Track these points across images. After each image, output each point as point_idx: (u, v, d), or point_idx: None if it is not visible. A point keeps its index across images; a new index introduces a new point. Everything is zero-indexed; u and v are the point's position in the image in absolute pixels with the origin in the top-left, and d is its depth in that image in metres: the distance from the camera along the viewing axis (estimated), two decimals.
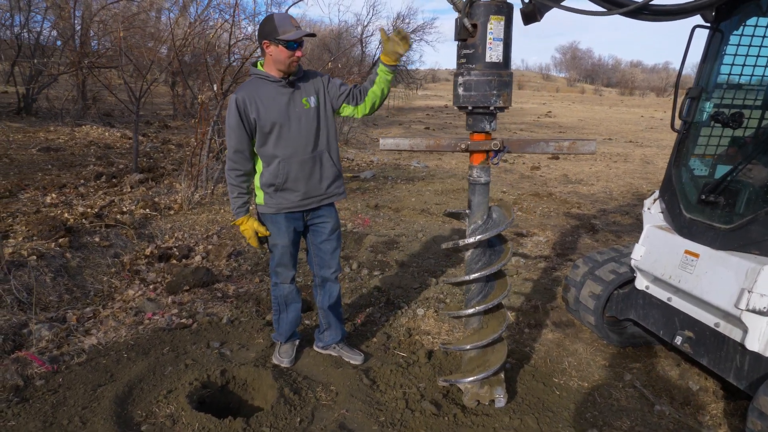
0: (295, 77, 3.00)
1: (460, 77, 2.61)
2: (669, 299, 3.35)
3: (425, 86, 64.97)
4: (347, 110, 3.20)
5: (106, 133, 12.70)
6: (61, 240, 4.98)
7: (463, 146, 2.69)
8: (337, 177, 3.24)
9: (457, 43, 2.66)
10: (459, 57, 2.64)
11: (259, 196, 3.13)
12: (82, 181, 7.30)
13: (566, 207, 8.93)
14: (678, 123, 3.44)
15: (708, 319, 3.06)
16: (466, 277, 2.77)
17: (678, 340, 3.24)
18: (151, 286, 4.74)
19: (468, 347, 2.84)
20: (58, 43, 14.76)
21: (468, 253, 2.84)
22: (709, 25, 3.32)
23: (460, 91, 2.61)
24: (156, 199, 6.79)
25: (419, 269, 5.27)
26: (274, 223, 3.16)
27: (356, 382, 3.23)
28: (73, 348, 3.54)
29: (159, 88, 18.77)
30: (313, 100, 3.06)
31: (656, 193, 3.62)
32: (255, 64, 3.04)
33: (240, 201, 3.08)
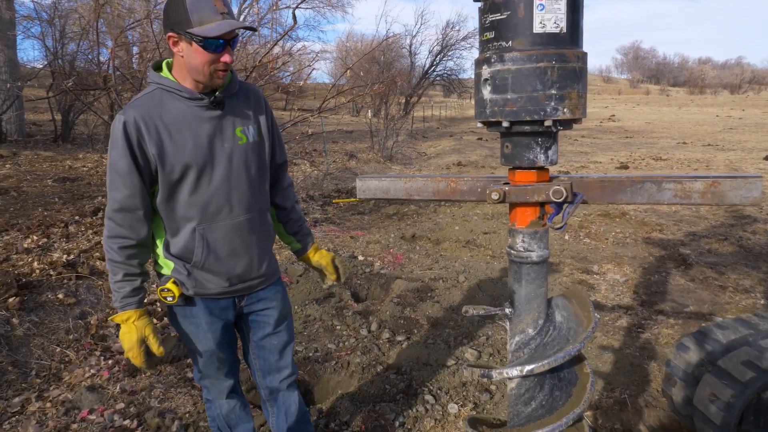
0: (224, 93, 1.84)
1: (485, 67, 1.38)
2: None
3: None
4: None
5: None
6: (10, 300, 4.02)
7: (495, 196, 1.44)
8: (272, 249, 2.12)
9: (478, 6, 1.43)
10: (483, 30, 1.41)
11: (167, 267, 1.97)
12: (76, 217, 6.44)
13: (645, 230, 7.42)
14: None
15: None
16: None
17: None
18: (110, 361, 3.70)
19: None
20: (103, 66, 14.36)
21: (512, 386, 1.58)
22: None
23: (486, 92, 1.38)
24: None
25: (457, 333, 3.99)
26: (188, 318, 2.00)
27: None
28: None
29: None
30: (252, 130, 1.91)
31: None
32: (156, 65, 1.88)
33: (127, 287, 1.85)
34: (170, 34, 1.71)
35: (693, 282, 5.32)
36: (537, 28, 1.30)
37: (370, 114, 18.55)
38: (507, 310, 1.55)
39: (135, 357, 1.85)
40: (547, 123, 1.34)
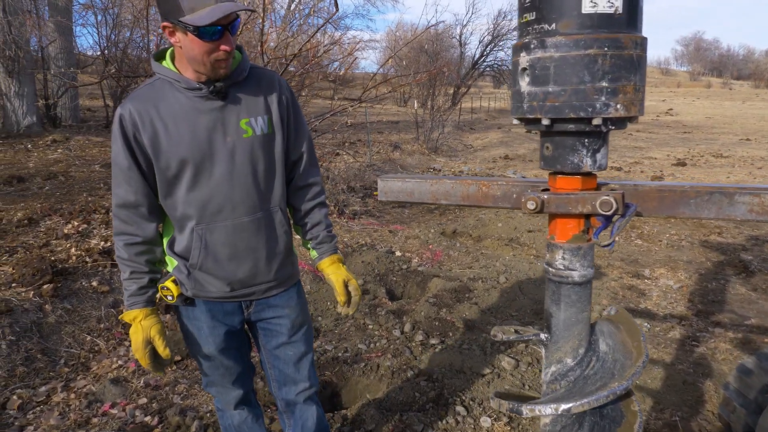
0: (227, 82, 1.67)
1: (524, 54, 1.18)
2: None
3: None
4: None
5: None
6: (44, 287, 4.04)
7: (532, 205, 1.24)
8: (290, 251, 1.94)
9: None
10: (522, 10, 1.20)
11: (170, 264, 1.86)
12: None
13: (702, 233, 6.97)
14: None
15: None
16: None
17: None
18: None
19: None
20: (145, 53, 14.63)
21: (545, 421, 1.38)
22: None
23: (524, 83, 1.18)
24: None
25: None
26: (190, 319, 1.88)
27: None
28: None
29: None
30: (260, 122, 1.74)
31: None
32: (159, 56, 1.73)
33: (134, 286, 1.76)
34: (164, 24, 1.57)
35: (755, 291, 4.93)
36: (587, 8, 1.09)
37: (416, 104, 18.29)
38: (542, 336, 1.35)
39: (141, 359, 1.75)
40: (596, 121, 1.13)
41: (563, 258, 1.28)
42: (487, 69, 33.93)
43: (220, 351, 1.89)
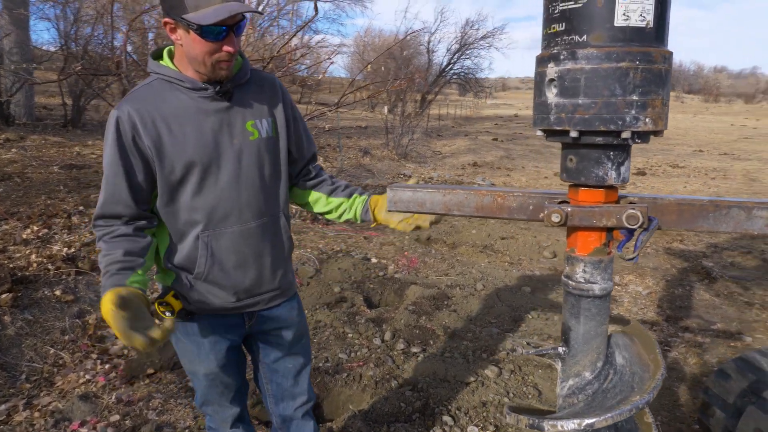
0: (231, 84, 1.61)
1: (552, 65, 1.16)
2: None
3: (495, 95, 62.94)
4: None
5: None
6: (2, 297, 3.83)
7: (557, 218, 1.23)
8: (290, 260, 1.90)
9: None
10: (550, 21, 1.19)
11: (168, 277, 1.73)
12: (80, 207, 6.27)
13: (666, 240, 7.18)
14: None
15: None
16: None
17: None
18: (107, 366, 3.51)
19: None
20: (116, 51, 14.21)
21: None
22: None
23: (552, 95, 1.17)
24: None
25: (475, 346, 3.78)
26: (188, 335, 1.78)
27: None
28: None
29: None
30: (265, 125, 1.69)
31: None
32: (156, 54, 1.66)
33: (116, 265, 1.49)
34: (166, 20, 1.49)
35: (718, 297, 5.09)
36: (619, 21, 1.08)
37: (386, 110, 18.32)
38: (560, 349, 1.34)
39: (122, 337, 1.35)
40: (625, 135, 1.12)
41: (584, 271, 1.26)
42: (454, 77, 34.35)
43: (221, 367, 1.80)
